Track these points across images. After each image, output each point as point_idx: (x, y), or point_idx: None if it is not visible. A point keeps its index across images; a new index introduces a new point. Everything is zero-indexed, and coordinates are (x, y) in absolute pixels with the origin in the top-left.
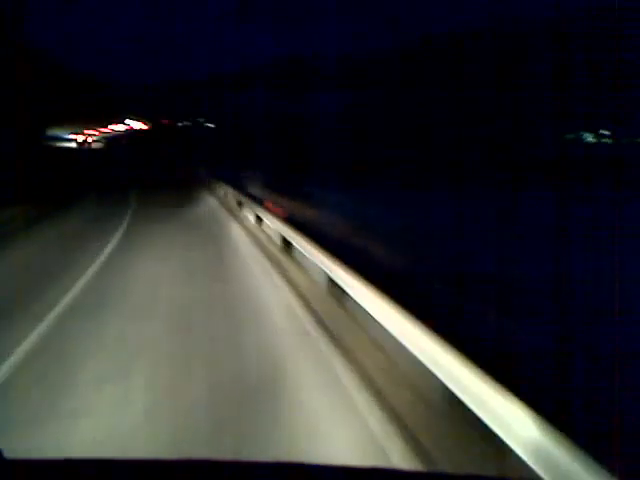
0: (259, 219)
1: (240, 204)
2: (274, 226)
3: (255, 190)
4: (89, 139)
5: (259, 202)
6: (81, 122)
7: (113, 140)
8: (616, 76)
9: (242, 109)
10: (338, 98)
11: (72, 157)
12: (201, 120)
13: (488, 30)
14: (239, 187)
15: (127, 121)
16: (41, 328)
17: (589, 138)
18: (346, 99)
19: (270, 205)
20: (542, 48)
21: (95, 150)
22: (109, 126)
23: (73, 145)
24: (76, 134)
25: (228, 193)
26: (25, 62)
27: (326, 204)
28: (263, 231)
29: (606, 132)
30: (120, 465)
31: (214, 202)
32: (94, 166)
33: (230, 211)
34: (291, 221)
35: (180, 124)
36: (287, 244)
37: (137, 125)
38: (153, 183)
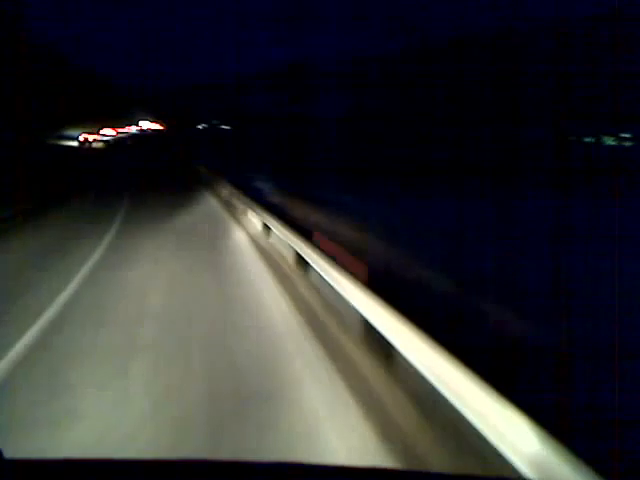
0: (302, 261)
1: (267, 229)
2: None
3: (275, 198)
4: (89, 139)
5: (302, 232)
6: (97, 122)
7: (118, 141)
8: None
9: (257, 111)
10: (349, 100)
11: (69, 156)
12: (216, 122)
13: (497, 31)
14: (256, 195)
15: (141, 122)
16: None
17: (609, 141)
18: (358, 101)
19: (329, 246)
20: (556, 49)
21: (95, 150)
22: (126, 127)
23: (75, 144)
24: (89, 134)
25: (248, 210)
26: (33, 61)
27: (382, 227)
28: (318, 292)
29: (627, 135)
30: (120, 465)
31: (229, 222)
32: (86, 166)
33: (259, 246)
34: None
35: (199, 126)
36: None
37: (153, 126)
38: (148, 186)
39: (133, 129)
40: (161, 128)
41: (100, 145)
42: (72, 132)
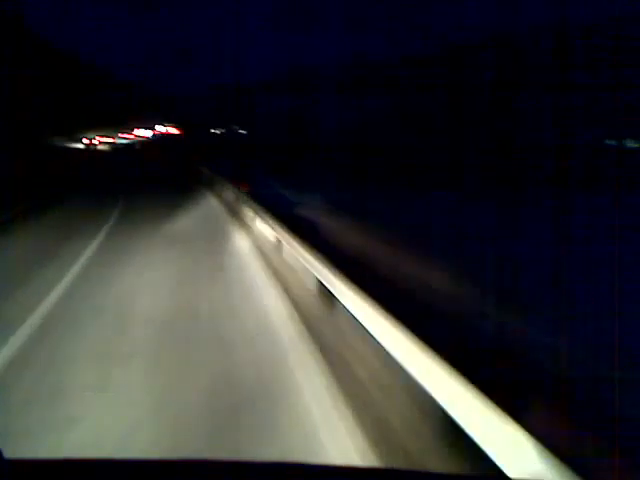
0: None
1: (328, 296)
2: None
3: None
4: (94, 141)
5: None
6: (112, 126)
7: (129, 145)
8: None
9: (273, 116)
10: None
11: (72, 158)
12: (235, 127)
13: (513, 35)
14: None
15: (157, 126)
16: None
17: (631, 144)
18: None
19: None
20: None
21: (100, 152)
22: (138, 130)
23: (81, 146)
24: (104, 137)
25: (283, 245)
26: (43, 62)
27: None
28: None
29: None
30: (120, 465)
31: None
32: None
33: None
34: None
35: (216, 130)
36: None
37: (170, 130)
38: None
39: (148, 133)
40: (177, 132)
41: (105, 148)
42: (89, 135)
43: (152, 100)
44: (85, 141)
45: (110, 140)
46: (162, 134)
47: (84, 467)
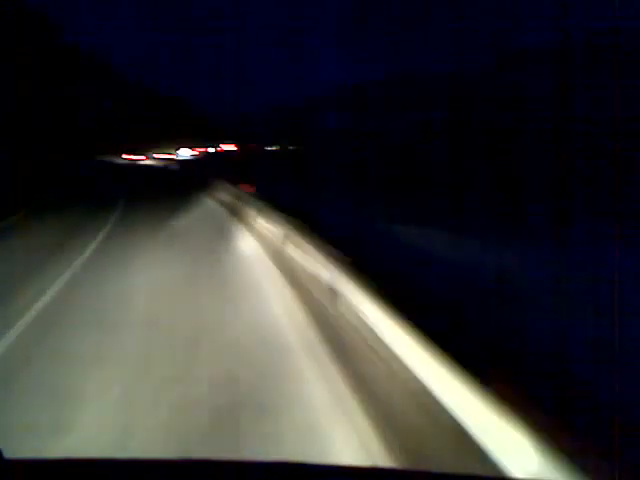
0: None
1: None
2: None
3: None
4: (134, 158)
5: None
6: (174, 143)
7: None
8: None
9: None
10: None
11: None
12: (286, 143)
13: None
14: None
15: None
16: None
17: None
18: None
19: None
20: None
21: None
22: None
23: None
24: (163, 153)
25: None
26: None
27: None
28: None
29: None
30: (120, 465)
31: None
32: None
33: None
34: None
35: (270, 148)
36: None
37: (227, 147)
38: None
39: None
40: (235, 149)
41: (147, 162)
42: (148, 152)
43: (204, 118)
44: (125, 156)
45: (168, 156)
46: (221, 151)
47: (84, 467)
